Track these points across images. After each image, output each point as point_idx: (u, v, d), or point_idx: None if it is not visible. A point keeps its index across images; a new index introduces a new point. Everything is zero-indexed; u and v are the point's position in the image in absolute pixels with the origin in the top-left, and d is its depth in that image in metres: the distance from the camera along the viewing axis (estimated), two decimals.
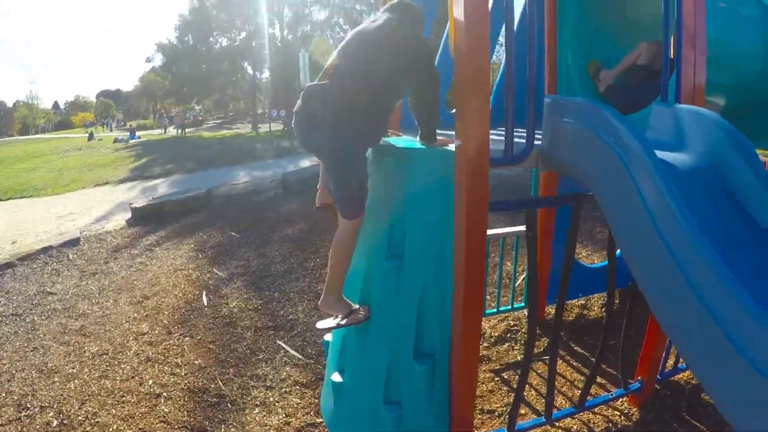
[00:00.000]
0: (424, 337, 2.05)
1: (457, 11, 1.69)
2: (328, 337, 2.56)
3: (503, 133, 1.88)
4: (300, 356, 3.32)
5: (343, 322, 2.08)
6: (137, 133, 30.45)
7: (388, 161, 2.12)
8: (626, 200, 1.56)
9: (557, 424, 2.56)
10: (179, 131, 28.99)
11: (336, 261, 2.04)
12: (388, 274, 2.04)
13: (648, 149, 1.51)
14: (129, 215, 7.54)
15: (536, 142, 1.94)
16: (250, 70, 31.19)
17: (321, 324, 2.15)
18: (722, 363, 1.25)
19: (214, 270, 4.95)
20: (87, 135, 31.25)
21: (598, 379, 2.89)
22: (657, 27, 2.77)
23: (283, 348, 3.44)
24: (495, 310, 3.47)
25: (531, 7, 2.06)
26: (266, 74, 31.51)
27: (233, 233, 6.14)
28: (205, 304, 4.21)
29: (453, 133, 1.85)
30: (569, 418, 2.58)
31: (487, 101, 1.74)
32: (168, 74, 32.27)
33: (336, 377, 2.29)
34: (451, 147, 1.91)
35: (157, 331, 3.78)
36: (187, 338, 3.65)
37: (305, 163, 10.78)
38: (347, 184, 1.93)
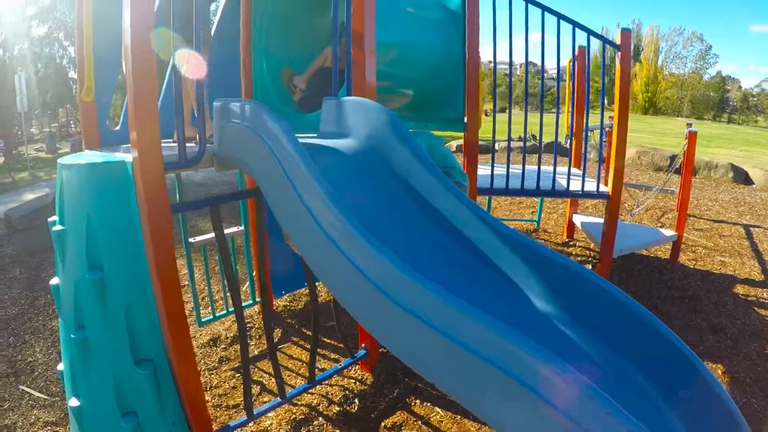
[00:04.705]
0: (140, 343, 2.11)
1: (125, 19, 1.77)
2: (60, 366, 2.47)
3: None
4: (45, 396, 3.17)
5: None
6: None
7: (72, 174, 2.09)
8: (282, 193, 1.72)
9: (299, 402, 2.81)
10: None
11: None
12: (92, 287, 2.05)
13: (295, 143, 1.67)
14: None
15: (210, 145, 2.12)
16: None
17: None
18: (393, 324, 1.35)
19: None
20: None
21: (333, 356, 3.32)
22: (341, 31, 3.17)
23: (27, 392, 3.24)
24: (226, 311, 3.69)
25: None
26: None
27: None
28: None
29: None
30: (309, 395, 2.86)
31: (155, 109, 1.82)
32: None
33: (73, 402, 2.22)
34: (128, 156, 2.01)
35: None
36: None
37: (29, 196, 9.64)
38: None
